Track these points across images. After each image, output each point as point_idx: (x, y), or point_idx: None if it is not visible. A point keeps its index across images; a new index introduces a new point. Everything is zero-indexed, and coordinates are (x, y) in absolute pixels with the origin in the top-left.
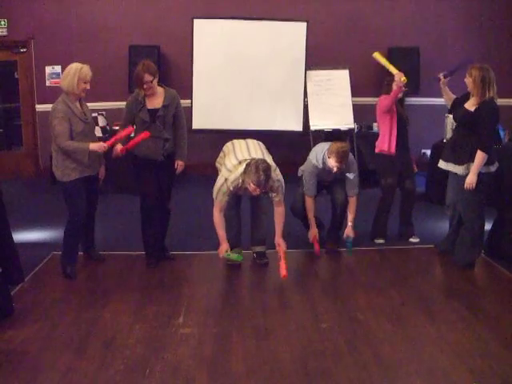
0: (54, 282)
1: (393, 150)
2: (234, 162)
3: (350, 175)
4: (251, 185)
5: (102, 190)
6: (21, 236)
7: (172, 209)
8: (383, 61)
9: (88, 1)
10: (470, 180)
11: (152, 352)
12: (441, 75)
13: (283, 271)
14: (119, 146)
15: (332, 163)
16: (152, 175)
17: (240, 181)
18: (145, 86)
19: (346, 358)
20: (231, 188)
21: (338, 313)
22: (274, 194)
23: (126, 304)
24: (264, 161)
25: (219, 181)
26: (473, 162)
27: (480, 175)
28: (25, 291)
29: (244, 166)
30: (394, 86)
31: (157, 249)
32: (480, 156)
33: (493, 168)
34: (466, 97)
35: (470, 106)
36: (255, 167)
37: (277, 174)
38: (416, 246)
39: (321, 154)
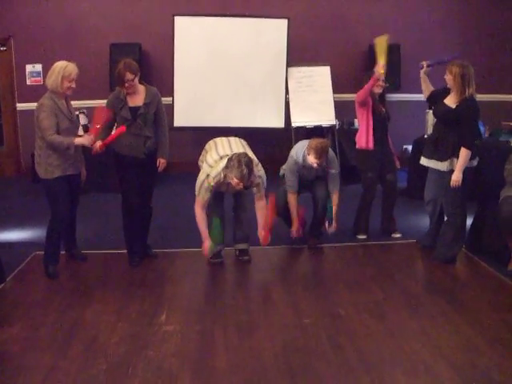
0: (36, 282)
1: (371, 145)
2: (216, 157)
3: (332, 171)
4: (234, 180)
5: (84, 189)
6: (2, 236)
7: (154, 207)
8: (381, 47)
9: None
10: (456, 177)
11: (135, 350)
12: (424, 63)
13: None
14: (98, 143)
15: (311, 159)
16: (134, 173)
17: (222, 176)
18: (126, 85)
19: (329, 354)
20: (213, 183)
21: (321, 309)
22: (255, 189)
23: (109, 303)
24: (246, 154)
25: (201, 177)
26: (455, 157)
27: (463, 171)
28: (6, 291)
29: (225, 160)
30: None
31: (139, 247)
32: (464, 153)
33: (475, 162)
34: (444, 91)
35: (451, 102)
36: (237, 161)
37: (259, 169)
38: (398, 242)
39: (301, 151)
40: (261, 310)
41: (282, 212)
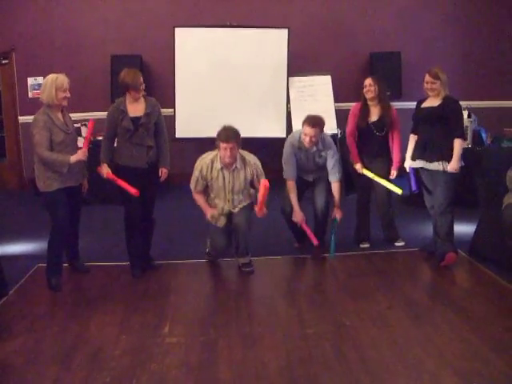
0: (39, 295)
1: (356, 160)
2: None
3: (329, 156)
4: (223, 144)
5: (86, 201)
6: (5, 248)
7: (156, 218)
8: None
9: (69, 11)
10: (455, 165)
11: (138, 362)
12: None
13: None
14: (106, 170)
15: (305, 130)
16: (136, 184)
17: (213, 155)
18: (141, 87)
19: (333, 364)
20: (207, 163)
21: (324, 318)
22: (255, 178)
23: (112, 315)
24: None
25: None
26: (446, 161)
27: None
28: (9, 304)
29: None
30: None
31: (142, 258)
32: (459, 143)
33: (462, 163)
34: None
35: (432, 103)
36: (222, 127)
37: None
38: (401, 250)
39: (297, 133)
40: (264, 320)
41: (288, 223)
